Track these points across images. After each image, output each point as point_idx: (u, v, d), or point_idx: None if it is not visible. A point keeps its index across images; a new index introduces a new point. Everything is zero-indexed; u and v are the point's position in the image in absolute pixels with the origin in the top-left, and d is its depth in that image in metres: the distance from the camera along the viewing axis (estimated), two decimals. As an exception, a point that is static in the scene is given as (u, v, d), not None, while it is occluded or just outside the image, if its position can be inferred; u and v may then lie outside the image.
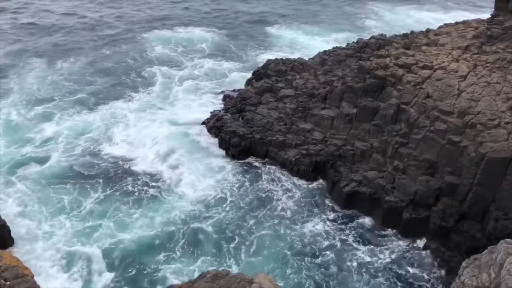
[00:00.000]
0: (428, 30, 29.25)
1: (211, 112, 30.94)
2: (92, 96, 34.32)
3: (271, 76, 31.88)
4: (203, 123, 29.68)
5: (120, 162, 26.61)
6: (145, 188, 24.62)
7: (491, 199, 19.58)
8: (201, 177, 25.54)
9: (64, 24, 50.34)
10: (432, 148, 21.70)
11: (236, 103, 30.70)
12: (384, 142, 23.71)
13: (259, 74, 32.65)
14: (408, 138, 22.94)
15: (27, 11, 53.94)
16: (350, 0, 63.55)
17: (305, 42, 46.90)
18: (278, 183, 25.37)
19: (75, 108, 32.47)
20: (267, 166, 26.40)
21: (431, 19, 54.19)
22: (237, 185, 25.18)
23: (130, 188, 24.53)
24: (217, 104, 32.80)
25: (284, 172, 25.87)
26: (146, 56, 41.92)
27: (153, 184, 25.00)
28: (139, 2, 60.02)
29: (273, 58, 35.48)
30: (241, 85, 34.57)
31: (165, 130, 29.48)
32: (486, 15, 29.64)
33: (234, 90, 33.41)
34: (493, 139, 19.82)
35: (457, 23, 30.39)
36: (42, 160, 26.52)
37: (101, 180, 24.96)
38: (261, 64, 35.03)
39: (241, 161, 26.76)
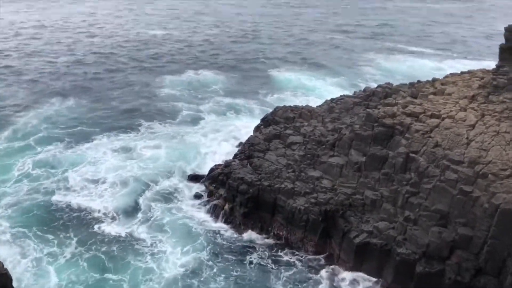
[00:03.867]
0: (434, 80, 29.69)
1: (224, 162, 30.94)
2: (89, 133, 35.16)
3: (279, 123, 32.16)
4: (210, 171, 29.68)
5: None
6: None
7: (507, 253, 18.99)
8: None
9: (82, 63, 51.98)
10: (443, 198, 21.35)
11: (244, 149, 30.80)
12: (394, 191, 23.42)
13: (267, 120, 33.00)
14: (419, 187, 22.64)
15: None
16: (345, 49, 65.27)
17: (307, 86, 48.21)
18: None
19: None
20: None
21: (427, 67, 55.37)
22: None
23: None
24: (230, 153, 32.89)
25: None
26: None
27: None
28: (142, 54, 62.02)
29: (277, 98, 36.10)
30: (249, 131, 34.95)
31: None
32: (480, 64, 30.26)
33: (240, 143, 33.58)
34: (506, 190, 19.49)
35: (462, 73, 30.83)
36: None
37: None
38: (269, 110, 35.69)
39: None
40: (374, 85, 45.93)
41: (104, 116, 39.30)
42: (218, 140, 35.73)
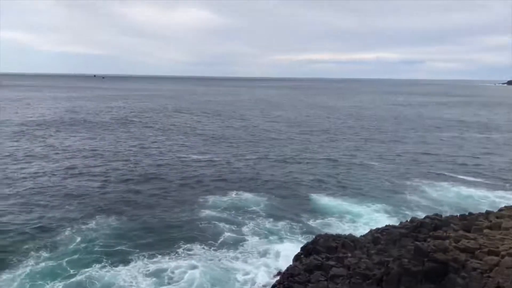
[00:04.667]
0: (488, 212, 28.05)
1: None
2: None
3: (320, 252, 30.57)
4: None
5: None
6: None
7: None
8: None
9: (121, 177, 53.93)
10: None
11: (283, 280, 28.97)
12: None
13: (307, 249, 31.52)
14: (483, 337, 19.81)
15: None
16: (387, 174, 64.67)
17: (350, 212, 47.15)
18: None
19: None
20: None
21: (475, 197, 52.94)
22: None
23: None
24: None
25: None
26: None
27: None
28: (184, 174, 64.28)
29: (320, 224, 34.61)
30: (290, 257, 33.46)
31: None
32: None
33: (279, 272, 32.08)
34: None
35: (518, 205, 29.12)
36: None
37: None
38: (312, 235, 34.48)
39: None
40: (420, 214, 44.15)
41: (143, 236, 39.30)
42: (257, 266, 34.42)
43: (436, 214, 30.96)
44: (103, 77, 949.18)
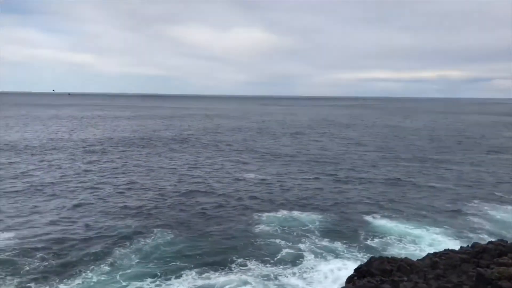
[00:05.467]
0: (559, 239, 25.88)
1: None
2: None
3: (375, 275, 29.63)
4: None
5: None
6: None
7: None
8: None
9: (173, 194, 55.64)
10: None
11: (335, 302, 28.39)
12: None
13: (361, 271, 30.65)
14: None
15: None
16: (447, 195, 61.55)
17: (409, 234, 45.34)
18: None
19: None
20: None
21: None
22: None
23: None
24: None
25: None
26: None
27: None
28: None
29: (377, 244, 33.42)
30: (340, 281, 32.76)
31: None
32: None
33: None
34: None
35: None
36: None
37: None
38: (364, 260, 33.54)
39: None
40: (484, 237, 41.61)
41: (197, 251, 40.15)
42: (311, 284, 33.98)
43: (501, 240, 29.07)
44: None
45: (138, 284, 33.50)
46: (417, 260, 31.04)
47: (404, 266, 30.24)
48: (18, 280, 32.96)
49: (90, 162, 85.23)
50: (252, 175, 74.67)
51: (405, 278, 28.70)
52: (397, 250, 40.13)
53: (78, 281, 33.50)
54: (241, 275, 35.13)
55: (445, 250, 31.38)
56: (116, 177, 71.33)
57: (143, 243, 41.24)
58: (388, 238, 43.99)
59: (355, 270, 32.53)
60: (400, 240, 43.33)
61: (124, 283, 33.47)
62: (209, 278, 34.75)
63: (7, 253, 37.44)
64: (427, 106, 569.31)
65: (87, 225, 46.13)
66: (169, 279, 34.45)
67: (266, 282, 34.03)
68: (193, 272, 35.64)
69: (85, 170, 76.34)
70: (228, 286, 33.32)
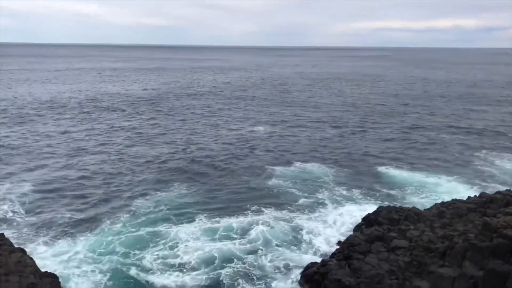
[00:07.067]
0: None
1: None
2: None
3: (382, 224, 30.44)
4: (306, 268, 28.65)
5: None
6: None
7: None
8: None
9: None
10: None
11: (343, 249, 29.41)
12: (519, 317, 19.88)
13: (369, 220, 31.51)
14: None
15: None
16: (460, 146, 61.31)
17: (421, 183, 45.87)
18: None
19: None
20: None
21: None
22: None
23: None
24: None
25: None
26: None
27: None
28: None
29: (389, 195, 33.85)
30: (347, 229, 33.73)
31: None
32: None
33: (339, 242, 32.34)
34: None
35: None
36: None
37: None
38: (373, 209, 34.31)
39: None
40: (494, 186, 41.85)
41: (213, 201, 41.46)
42: (326, 231, 35.17)
43: (509, 190, 29.26)
44: None
45: (153, 229, 35.20)
46: (425, 209, 31.64)
47: (411, 215, 30.89)
48: (47, 230, 34.90)
49: (115, 119, 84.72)
50: (260, 128, 75.19)
51: (412, 227, 29.40)
52: (410, 199, 40.74)
53: (103, 227, 35.61)
54: (254, 217, 36.75)
55: (452, 199, 31.81)
56: (139, 135, 70.70)
57: (161, 195, 42.62)
58: (400, 188, 44.39)
59: (363, 219, 33.41)
60: (412, 189, 43.82)
61: (141, 229, 35.31)
62: (218, 222, 36.32)
63: (37, 209, 39.18)
64: (443, 57, 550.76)
65: (110, 179, 47.47)
66: (181, 223, 36.08)
67: (281, 223, 35.58)
68: (207, 218, 37.08)
69: (109, 128, 75.48)
70: (238, 225, 35.33)
